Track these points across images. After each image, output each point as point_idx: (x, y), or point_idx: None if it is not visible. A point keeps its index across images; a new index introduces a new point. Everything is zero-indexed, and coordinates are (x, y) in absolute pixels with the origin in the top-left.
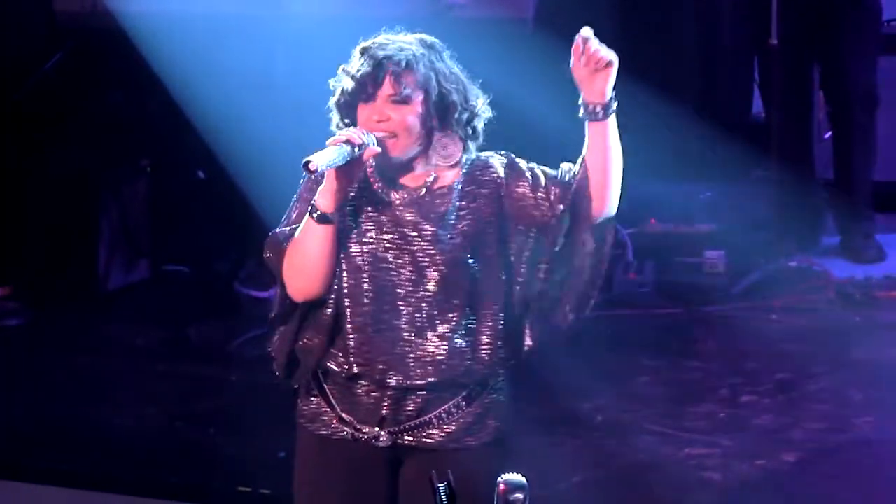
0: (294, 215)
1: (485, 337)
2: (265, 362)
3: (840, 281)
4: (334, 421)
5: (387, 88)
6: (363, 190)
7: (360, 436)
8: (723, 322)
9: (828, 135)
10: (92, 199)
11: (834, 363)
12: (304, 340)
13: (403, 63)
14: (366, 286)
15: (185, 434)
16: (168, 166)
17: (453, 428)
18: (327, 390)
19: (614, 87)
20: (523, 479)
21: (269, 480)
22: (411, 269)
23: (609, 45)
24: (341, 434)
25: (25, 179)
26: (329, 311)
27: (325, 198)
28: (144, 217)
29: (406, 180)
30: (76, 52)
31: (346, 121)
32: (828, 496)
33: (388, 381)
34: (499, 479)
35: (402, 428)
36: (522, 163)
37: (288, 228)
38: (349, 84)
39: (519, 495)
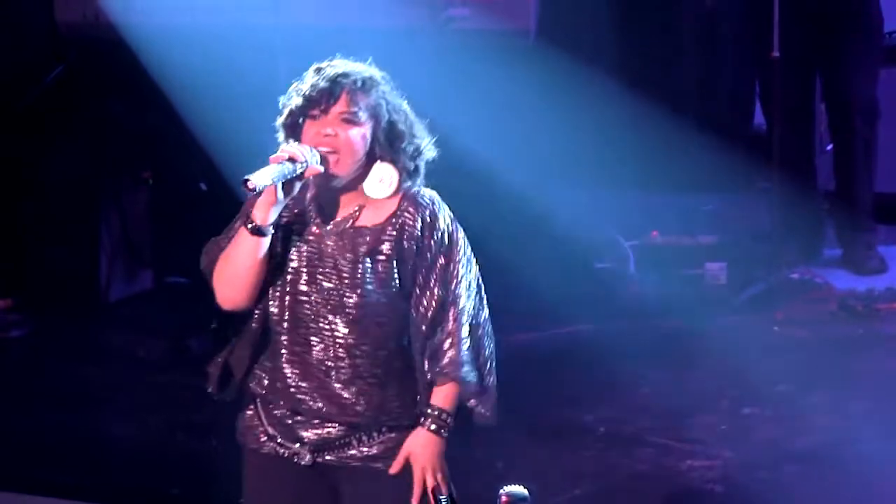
0: (236, 226)
1: (392, 383)
2: None
3: (842, 293)
4: (262, 435)
5: (340, 105)
6: (296, 213)
7: (283, 451)
8: (724, 334)
9: (829, 147)
10: (93, 211)
11: (835, 375)
12: (235, 353)
13: (360, 83)
14: (285, 314)
15: (185, 445)
16: (170, 177)
17: (374, 451)
18: (258, 404)
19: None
20: (525, 491)
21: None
22: (324, 305)
23: (609, 58)
24: (268, 448)
25: (27, 190)
26: (255, 325)
27: (261, 210)
28: (146, 228)
29: (336, 209)
30: (78, 63)
31: (290, 140)
32: None
33: (303, 408)
34: (501, 491)
35: (323, 448)
36: (440, 232)
37: (224, 238)
38: (298, 101)
39: None
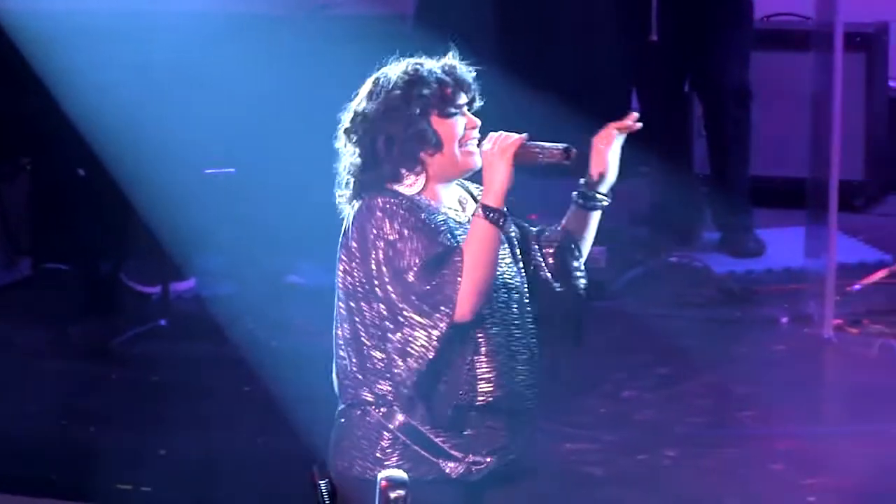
0: (424, 244)
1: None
2: (146, 360)
3: (720, 276)
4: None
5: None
6: (429, 208)
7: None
8: (605, 317)
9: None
10: None
11: (715, 358)
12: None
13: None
14: (487, 309)
15: (66, 432)
16: (48, 164)
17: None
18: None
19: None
20: (405, 476)
21: (150, 478)
22: (504, 290)
23: (489, 43)
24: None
25: None
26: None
27: (500, 197)
28: (25, 215)
29: (449, 200)
30: None
31: (423, 131)
32: (708, 490)
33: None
34: (380, 476)
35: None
36: None
37: (440, 251)
38: (447, 93)
39: (401, 492)
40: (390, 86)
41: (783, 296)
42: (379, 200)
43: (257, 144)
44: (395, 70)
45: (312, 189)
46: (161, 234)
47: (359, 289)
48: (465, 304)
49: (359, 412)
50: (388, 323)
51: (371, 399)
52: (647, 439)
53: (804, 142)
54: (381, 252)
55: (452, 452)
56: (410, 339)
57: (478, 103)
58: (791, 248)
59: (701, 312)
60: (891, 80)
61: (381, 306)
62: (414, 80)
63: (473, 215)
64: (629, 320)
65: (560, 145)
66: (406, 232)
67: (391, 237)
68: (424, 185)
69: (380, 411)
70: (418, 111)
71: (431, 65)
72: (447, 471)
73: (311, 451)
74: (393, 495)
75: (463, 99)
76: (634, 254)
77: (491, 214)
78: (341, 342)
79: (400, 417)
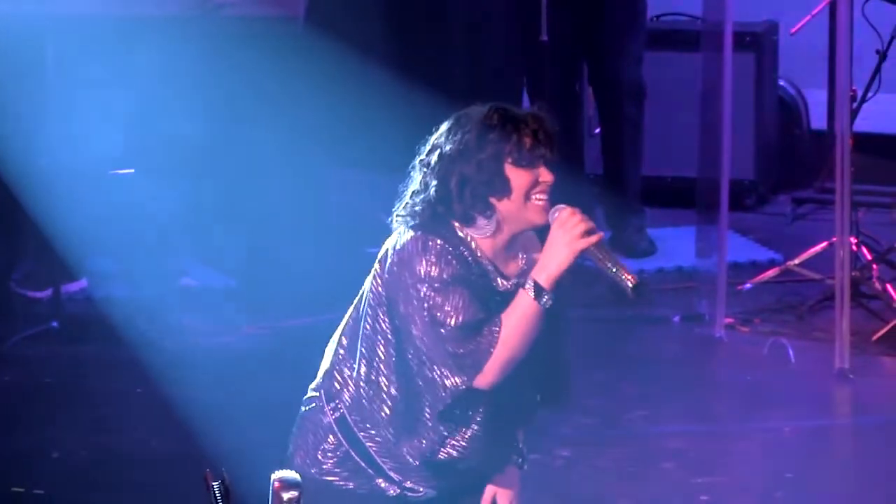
0: (457, 303)
1: None
2: (39, 362)
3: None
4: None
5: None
6: (474, 268)
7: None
8: None
9: (598, 130)
10: None
11: (607, 357)
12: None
13: None
14: None
15: None
16: None
17: None
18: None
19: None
20: (298, 477)
21: (43, 481)
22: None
23: (378, 45)
24: None
25: None
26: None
27: (553, 280)
28: None
29: (509, 260)
30: None
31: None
32: (601, 490)
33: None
34: (273, 476)
35: None
36: None
37: (481, 317)
38: (525, 148)
39: (294, 493)
40: (469, 126)
41: (675, 295)
42: (438, 242)
43: (151, 145)
44: (477, 112)
45: (206, 190)
46: (52, 235)
47: (387, 319)
48: (489, 375)
49: (316, 406)
50: (409, 360)
51: (335, 402)
52: (540, 439)
53: (694, 141)
54: (424, 294)
55: (391, 474)
56: (425, 386)
57: (553, 157)
58: (682, 247)
59: (592, 312)
60: (780, 79)
61: (408, 345)
62: (493, 125)
63: (523, 287)
64: None
65: (632, 276)
66: (453, 286)
67: (437, 285)
68: (495, 231)
69: (335, 415)
70: (492, 156)
71: (516, 112)
72: (382, 487)
73: (204, 452)
74: (286, 496)
75: (540, 151)
76: None
77: (539, 293)
78: (345, 340)
79: (353, 430)
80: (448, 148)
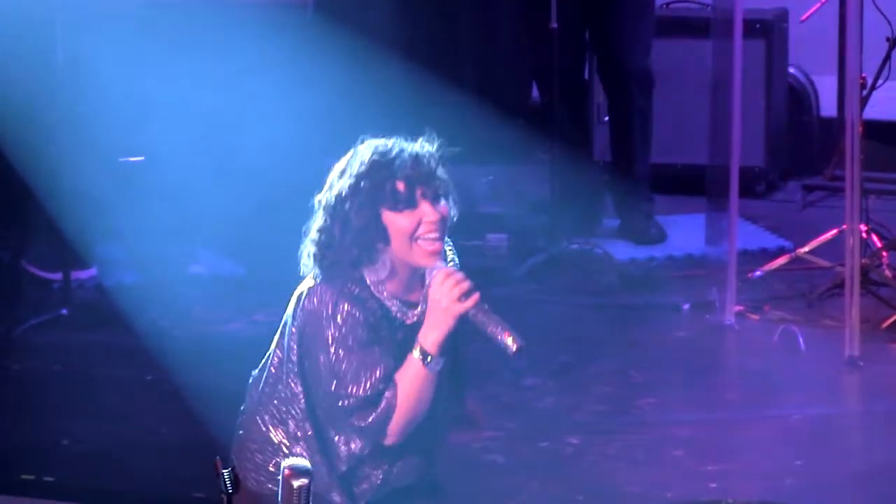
0: (359, 371)
1: None
2: (49, 350)
3: (622, 263)
4: None
5: (441, 184)
6: (377, 309)
7: None
8: (506, 305)
9: (607, 118)
10: None
11: (616, 345)
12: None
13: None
14: None
15: None
16: None
17: None
18: None
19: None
20: (308, 464)
21: (53, 468)
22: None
23: (387, 32)
24: None
25: None
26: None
27: (437, 345)
28: None
29: (414, 292)
30: None
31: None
32: (611, 477)
33: None
34: (283, 464)
35: None
36: None
37: (380, 387)
38: (399, 185)
39: (304, 480)
40: (351, 170)
41: (685, 282)
42: (345, 307)
43: (161, 133)
44: (363, 152)
45: (217, 178)
46: (62, 222)
47: (298, 381)
48: (392, 436)
49: (255, 423)
50: (318, 416)
51: (270, 424)
52: (549, 427)
53: (704, 129)
54: (333, 358)
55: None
56: (335, 436)
57: (447, 192)
58: (692, 234)
59: (602, 299)
60: (790, 66)
61: (316, 404)
62: (369, 171)
63: (410, 353)
64: (530, 307)
65: (514, 337)
66: (359, 351)
67: (341, 352)
68: (391, 273)
69: (281, 436)
70: (366, 204)
71: (399, 149)
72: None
73: (214, 440)
74: (296, 484)
75: (419, 191)
76: (535, 241)
77: (425, 359)
78: (276, 361)
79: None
80: (336, 192)
